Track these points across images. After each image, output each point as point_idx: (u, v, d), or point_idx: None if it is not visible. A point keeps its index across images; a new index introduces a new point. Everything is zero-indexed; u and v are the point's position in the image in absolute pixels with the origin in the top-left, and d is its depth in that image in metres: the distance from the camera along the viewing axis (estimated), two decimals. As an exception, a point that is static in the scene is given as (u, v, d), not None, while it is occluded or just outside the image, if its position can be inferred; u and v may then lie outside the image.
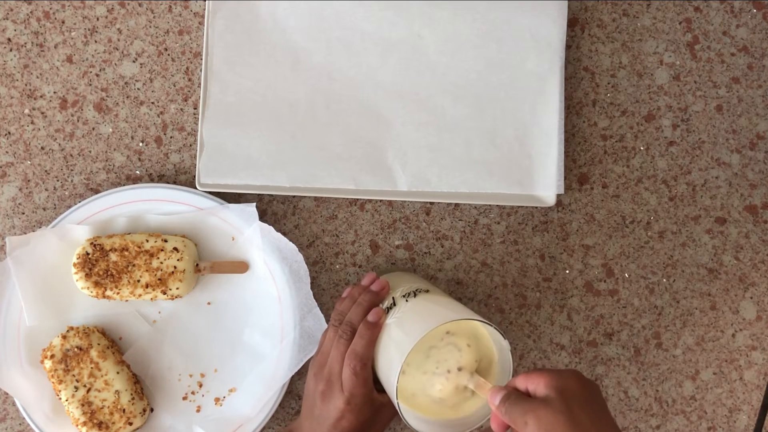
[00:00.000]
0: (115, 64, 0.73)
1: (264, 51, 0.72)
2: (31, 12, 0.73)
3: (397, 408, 0.57)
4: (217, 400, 0.69)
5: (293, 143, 0.71)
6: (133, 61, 0.73)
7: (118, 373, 0.66)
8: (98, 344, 0.66)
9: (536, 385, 0.53)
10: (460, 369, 0.58)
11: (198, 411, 0.69)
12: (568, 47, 0.74)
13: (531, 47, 0.72)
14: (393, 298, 0.63)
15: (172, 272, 0.67)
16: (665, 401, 0.73)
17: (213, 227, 0.70)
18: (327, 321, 0.71)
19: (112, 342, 0.68)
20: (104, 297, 0.67)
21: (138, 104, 0.73)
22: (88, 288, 0.66)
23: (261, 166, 0.70)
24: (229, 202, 0.70)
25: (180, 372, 0.69)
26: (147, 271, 0.66)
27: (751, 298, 0.74)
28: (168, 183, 0.71)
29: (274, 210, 0.72)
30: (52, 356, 0.66)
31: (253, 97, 0.71)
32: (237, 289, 0.70)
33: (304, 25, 0.72)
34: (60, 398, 0.66)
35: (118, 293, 0.67)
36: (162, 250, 0.67)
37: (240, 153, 0.70)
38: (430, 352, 0.58)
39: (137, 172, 0.72)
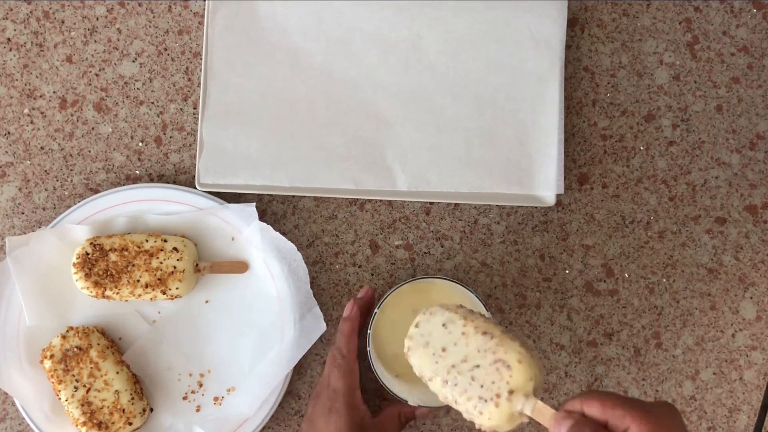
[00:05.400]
0: (115, 64, 0.73)
1: (264, 51, 0.72)
2: (30, 12, 0.73)
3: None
4: (216, 399, 0.69)
5: (293, 143, 0.71)
6: (133, 61, 0.73)
7: (117, 373, 0.66)
8: (98, 344, 0.66)
9: (620, 421, 0.44)
10: (511, 392, 0.49)
11: (198, 411, 0.69)
12: (568, 47, 0.74)
13: (531, 47, 0.72)
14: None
15: (172, 272, 0.67)
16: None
17: (213, 227, 0.70)
18: (326, 320, 0.71)
19: (111, 342, 0.68)
20: (104, 297, 0.67)
21: (138, 104, 0.73)
22: (87, 288, 0.66)
23: (261, 166, 0.70)
24: (229, 202, 0.70)
25: (180, 372, 0.69)
26: (147, 271, 0.66)
27: (751, 298, 0.74)
28: (168, 183, 0.71)
29: (274, 210, 0.72)
30: (52, 356, 0.66)
31: (253, 97, 0.71)
32: (236, 289, 0.70)
33: (303, 25, 0.72)
34: (59, 398, 0.66)
35: (117, 293, 0.66)
36: (162, 250, 0.67)
37: (240, 153, 0.70)
38: (475, 372, 0.51)
39: (137, 172, 0.72)
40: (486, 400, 0.49)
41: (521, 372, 0.48)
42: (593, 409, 0.44)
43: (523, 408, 0.48)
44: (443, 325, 0.53)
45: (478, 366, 0.50)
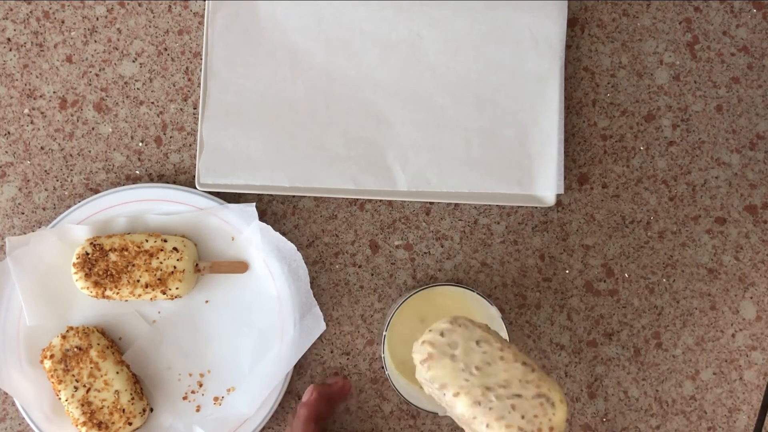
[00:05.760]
0: (115, 64, 0.73)
1: (264, 51, 0.72)
2: (30, 12, 0.73)
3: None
4: (216, 399, 0.69)
5: (293, 143, 0.71)
6: (133, 61, 0.73)
7: (117, 373, 0.66)
8: (98, 344, 0.66)
9: None
10: (551, 429, 0.50)
11: (198, 411, 0.69)
12: (568, 47, 0.74)
13: (531, 47, 0.72)
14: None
15: (172, 272, 0.67)
16: (665, 401, 0.73)
17: (212, 227, 0.70)
18: (325, 320, 0.71)
19: (111, 342, 0.68)
20: (104, 297, 0.67)
21: (138, 104, 0.73)
22: (87, 288, 0.66)
23: (261, 166, 0.70)
24: (229, 202, 0.70)
25: (180, 371, 0.69)
26: (146, 271, 0.66)
27: (751, 298, 0.74)
28: (168, 183, 0.71)
29: (274, 210, 0.72)
30: (52, 356, 0.66)
31: (253, 96, 0.71)
32: (236, 289, 0.70)
33: (303, 25, 0.72)
34: (59, 398, 0.66)
35: (117, 293, 0.67)
36: (162, 250, 0.67)
37: (240, 153, 0.70)
38: (516, 401, 0.51)
39: (137, 172, 0.72)
40: None
41: (563, 412, 0.50)
42: None
43: None
44: (477, 342, 0.52)
45: (519, 396, 0.50)
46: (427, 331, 0.54)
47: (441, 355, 0.52)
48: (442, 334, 0.53)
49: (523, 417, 0.49)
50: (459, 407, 0.51)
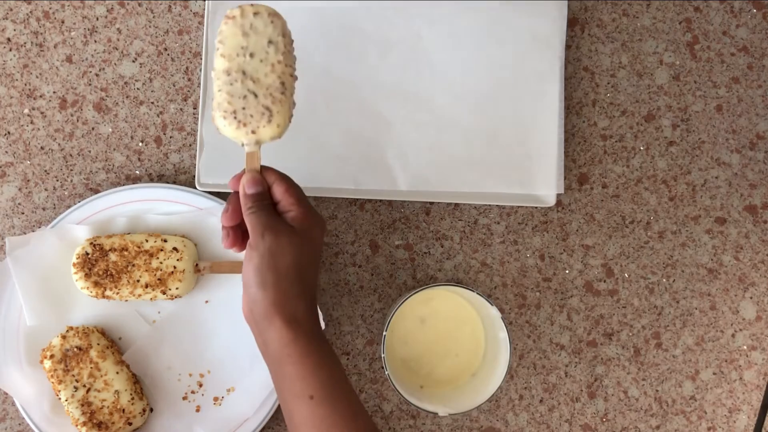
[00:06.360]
0: (115, 64, 0.73)
1: (264, 51, 0.72)
2: (30, 12, 0.73)
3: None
4: (216, 399, 0.69)
5: (293, 143, 0.71)
6: (133, 61, 0.73)
7: (117, 373, 0.66)
8: (98, 344, 0.66)
9: (289, 207, 0.56)
10: (256, 132, 0.56)
11: (198, 411, 0.69)
12: (568, 47, 0.74)
13: (531, 47, 0.72)
14: None
15: (172, 272, 0.67)
16: (665, 401, 0.73)
17: (213, 227, 0.70)
18: (325, 320, 0.71)
19: (111, 342, 0.68)
20: (104, 297, 0.67)
21: (138, 104, 0.73)
22: (87, 288, 0.66)
23: (261, 166, 0.70)
24: (229, 202, 0.70)
25: (179, 372, 0.69)
26: (146, 271, 0.66)
27: (751, 298, 0.74)
28: (168, 183, 0.71)
29: (274, 210, 0.72)
30: (52, 356, 0.66)
31: (253, 96, 0.71)
32: (236, 289, 0.70)
33: (303, 25, 0.72)
34: (59, 398, 0.66)
35: (117, 293, 0.66)
36: (161, 250, 0.67)
37: (240, 153, 0.70)
38: (251, 97, 0.56)
39: (137, 172, 0.72)
40: (248, 112, 0.55)
41: (274, 131, 0.56)
42: (277, 189, 0.56)
43: (249, 142, 0.56)
44: (270, 41, 0.56)
45: (255, 96, 0.55)
46: (252, 15, 0.56)
47: (240, 27, 0.56)
48: (256, 14, 0.56)
49: (243, 108, 0.55)
50: (216, 63, 0.56)
